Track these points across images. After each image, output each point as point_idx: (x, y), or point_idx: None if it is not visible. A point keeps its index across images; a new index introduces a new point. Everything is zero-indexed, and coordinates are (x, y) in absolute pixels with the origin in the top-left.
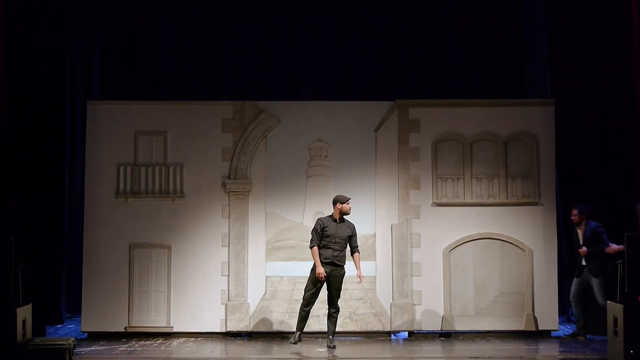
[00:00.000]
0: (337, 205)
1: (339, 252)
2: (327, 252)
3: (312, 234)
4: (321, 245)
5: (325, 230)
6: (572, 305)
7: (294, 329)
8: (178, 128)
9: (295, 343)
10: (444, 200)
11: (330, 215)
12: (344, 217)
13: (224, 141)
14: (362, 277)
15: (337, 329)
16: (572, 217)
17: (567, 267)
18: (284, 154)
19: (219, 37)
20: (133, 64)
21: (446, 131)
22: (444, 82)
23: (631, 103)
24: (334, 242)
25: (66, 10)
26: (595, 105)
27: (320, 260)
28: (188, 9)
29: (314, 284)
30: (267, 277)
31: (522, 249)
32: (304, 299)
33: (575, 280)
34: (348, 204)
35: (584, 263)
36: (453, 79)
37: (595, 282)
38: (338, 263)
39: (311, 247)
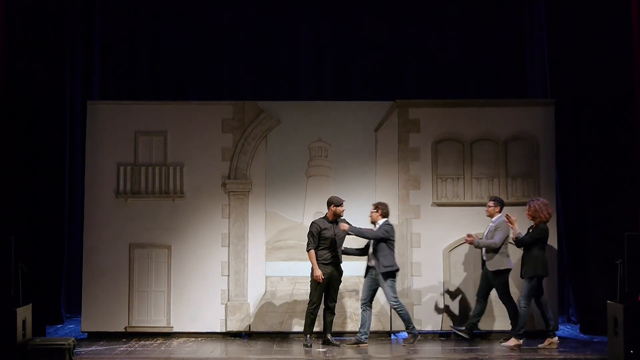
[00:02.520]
0: (332, 207)
1: (339, 250)
2: (328, 254)
3: (308, 237)
4: (320, 247)
5: (324, 233)
6: (363, 308)
7: (294, 329)
8: (178, 128)
9: (310, 346)
10: (444, 200)
11: (324, 217)
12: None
13: (224, 141)
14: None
15: (337, 329)
16: (370, 214)
17: (567, 267)
18: (284, 154)
19: (218, 37)
20: (133, 64)
21: (446, 131)
22: (444, 82)
23: (631, 103)
24: (334, 242)
25: (66, 10)
26: (595, 105)
27: (322, 262)
28: (188, 8)
29: (316, 287)
30: (267, 277)
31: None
32: (311, 303)
33: (365, 281)
34: (342, 206)
35: (372, 264)
36: (453, 78)
37: (384, 284)
38: (338, 262)
39: (308, 250)
